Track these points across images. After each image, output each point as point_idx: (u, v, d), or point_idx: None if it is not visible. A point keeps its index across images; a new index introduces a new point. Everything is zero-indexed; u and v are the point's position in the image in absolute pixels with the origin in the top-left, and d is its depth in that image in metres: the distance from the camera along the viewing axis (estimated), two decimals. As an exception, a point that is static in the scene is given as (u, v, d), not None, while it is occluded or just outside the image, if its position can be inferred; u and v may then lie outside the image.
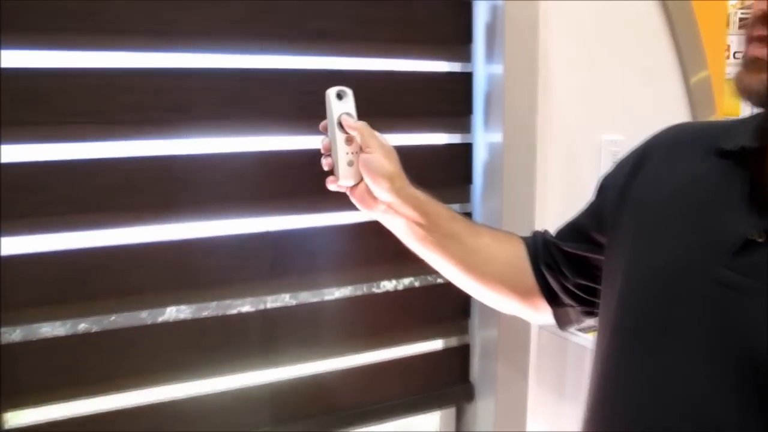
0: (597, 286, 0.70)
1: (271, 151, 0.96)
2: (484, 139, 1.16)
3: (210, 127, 0.91)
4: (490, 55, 1.12)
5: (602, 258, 0.68)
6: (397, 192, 0.71)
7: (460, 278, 0.77)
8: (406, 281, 1.08)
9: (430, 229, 0.73)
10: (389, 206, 0.72)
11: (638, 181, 0.66)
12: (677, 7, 1.19)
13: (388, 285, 1.06)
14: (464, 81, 1.14)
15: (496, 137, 1.12)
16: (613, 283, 0.62)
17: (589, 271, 0.72)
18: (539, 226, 0.86)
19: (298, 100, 0.95)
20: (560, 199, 1.13)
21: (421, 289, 1.09)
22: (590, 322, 0.79)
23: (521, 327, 1.11)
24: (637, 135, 1.16)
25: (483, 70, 1.14)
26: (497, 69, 1.09)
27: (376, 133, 0.73)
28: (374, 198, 0.72)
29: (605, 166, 1.08)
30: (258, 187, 0.95)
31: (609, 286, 0.64)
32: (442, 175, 1.13)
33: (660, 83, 1.23)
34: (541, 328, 1.11)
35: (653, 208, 0.61)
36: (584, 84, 1.14)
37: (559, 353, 1.07)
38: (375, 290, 1.07)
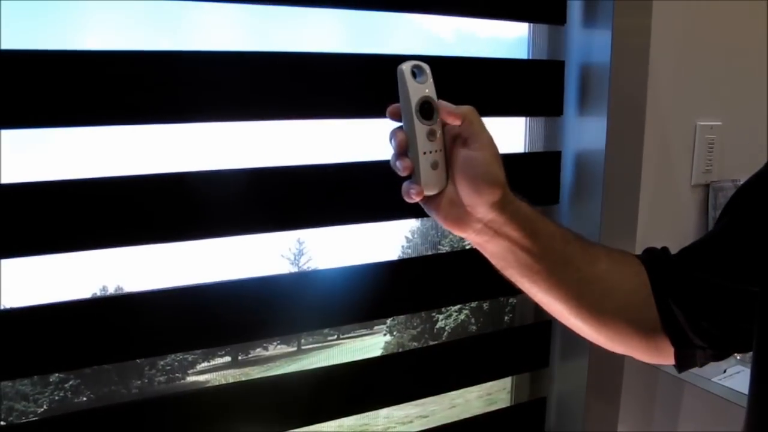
0: (744, 326, 0.60)
1: (300, 167, 0.78)
2: (578, 143, 0.95)
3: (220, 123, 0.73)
4: (591, 20, 0.91)
5: (755, 290, 0.57)
6: (503, 207, 0.58)
7: (570, 314, 0.66)
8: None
9: (540, 254, 0.61)
10: (487, 225, 0.59)
11: None
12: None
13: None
14: (553, 70, 0.93)
15: (596, 140, 0.92)
16: None
17: (735, 307, 0.61)
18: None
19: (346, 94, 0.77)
20: (650, 196, 0.99)
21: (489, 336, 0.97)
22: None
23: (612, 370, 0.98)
24: (737, 121, 1.08)
25: (579, 39, 0.92)
26: (601, 43, 0.88)
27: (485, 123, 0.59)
28: (467, 212, 0.59)
29: (700, 156, 1.05)
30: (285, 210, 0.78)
31: None
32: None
33: (762, 67, 1.10)
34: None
35: None
36: (678, 63, 0.99)
37: (647, 385, 0.96)
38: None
